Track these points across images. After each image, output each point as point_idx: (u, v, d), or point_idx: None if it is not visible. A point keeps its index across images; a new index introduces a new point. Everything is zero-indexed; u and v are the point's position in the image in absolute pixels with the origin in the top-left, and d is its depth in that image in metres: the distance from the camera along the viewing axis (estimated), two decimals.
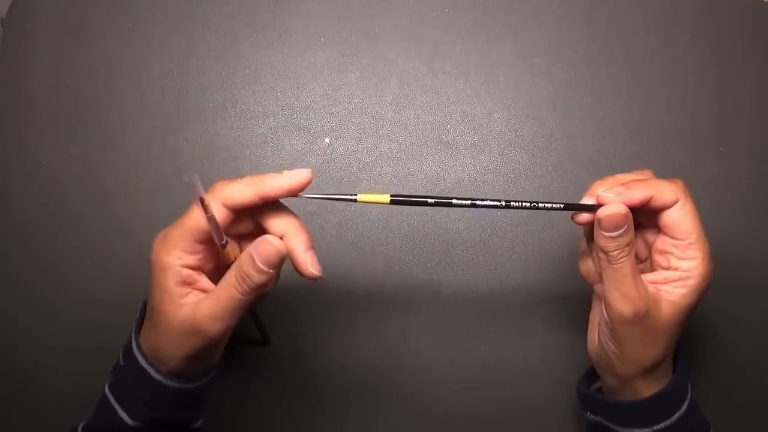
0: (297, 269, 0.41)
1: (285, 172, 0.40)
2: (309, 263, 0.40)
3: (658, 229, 0.42)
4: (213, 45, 0.57)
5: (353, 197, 0.40)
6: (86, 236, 0.55)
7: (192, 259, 0.40)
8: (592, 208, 0.41)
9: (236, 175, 0.55)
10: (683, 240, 0.41)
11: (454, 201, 0.42)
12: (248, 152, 0.56)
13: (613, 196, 0.40)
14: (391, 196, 0.41)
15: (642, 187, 0.40)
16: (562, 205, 0.42)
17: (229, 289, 0.39)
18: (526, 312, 0.54)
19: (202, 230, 0.39)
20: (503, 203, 0.42)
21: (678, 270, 0.41)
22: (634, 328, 0.41)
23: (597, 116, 0.56)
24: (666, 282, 0.41)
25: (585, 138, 0.56)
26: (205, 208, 0.37)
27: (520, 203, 0.42)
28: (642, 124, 0.56)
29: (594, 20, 0.57)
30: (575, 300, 0.54)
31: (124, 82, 0.57)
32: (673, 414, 0.42)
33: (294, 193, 0.40)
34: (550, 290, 0.54)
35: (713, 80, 0.57)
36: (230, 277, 0.39)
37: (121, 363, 0.43)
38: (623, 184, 0.40)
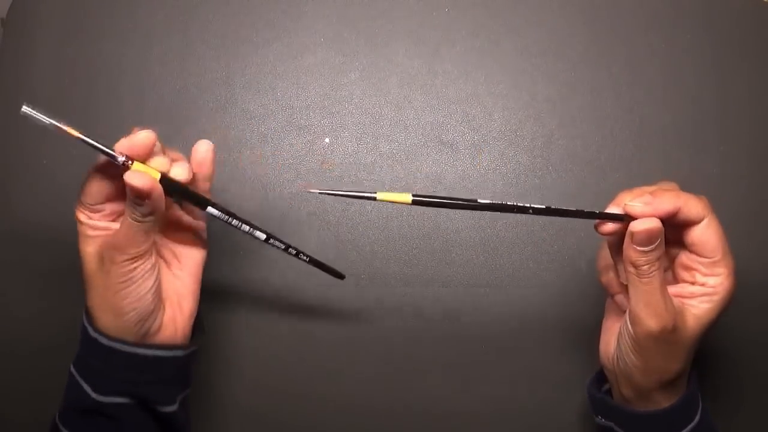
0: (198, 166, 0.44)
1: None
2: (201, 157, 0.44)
3: (682, 244, 0.42)
4: (213, 45, 0.57)
5: (373, 195, 0.39)
6: None
7: (99, 216, 0.42)
8: (622, 219, 0.40)
9: (236, 174, 0.55)
10: (710, 258, 0.41)
11: (479, 201, 0.40)
12: (248, 152, 0.56)
13: (642, 205, 0.39)
14: (414, 195, 0.40)
15: (671, 198, 0.40)
16: (592, 212, 0.41)
17: (126, 218, 0.40)
18: (526, 312, 0.54)
19: (95, 196, 0.41)
20: (531, 209, 0.41)
21: (704, 286, 0.41)
22: (659, 343, 0.40)
23: (597, 116, 0.56)
24: (692, 297, 0.41)
25: (585, 138, 0.56)
26: (68, 132, 0.39)
27: (546, 208, 0.41)
28: (642, 124, 0.56)
29: (594, 20, 0.57)
30: (575, 299, 0.54)
31: (124, 82, 0.57)
32: (688, 424, 0.42)
33: (138, 154, 0.41)
34: (550, 290, 0.54)
35: (713, 80, 0.57)
36: (126, 209, 0.41)
37: (79, 338, 0.44)
38: (651, 193, 0.40)
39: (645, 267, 0.40)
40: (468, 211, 0.55)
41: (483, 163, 0.56)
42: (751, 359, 0.54)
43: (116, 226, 0.42)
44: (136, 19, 0.58)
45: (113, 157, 0.40)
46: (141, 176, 0.39)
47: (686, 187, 0.55)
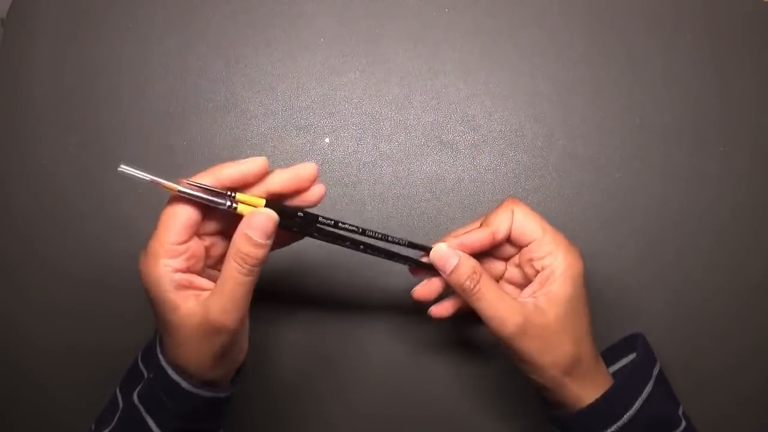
0: (304, 202, 0.42)
1: (241, 160, 0.39)
2: (312, 192, 0.42)
3: (517, 249, 0.45)
4: (213, 45, 0.57)
5: (231, 197, 0.38)
6: (86, 236, 0.55)
7: (179, 262, 0.39)
8: (426, 249, 0.45)
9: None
10: (532, 240, 0.43)
11: (320, 220, 0.42)
12: (248, 152, 0.56)
13: (446, 246, 0.43)
14: (269, 202, 0.39)
15: (476, 235, 0.43)
16: (406, 242, 0.45)
17: (233, 276, 0.38)
18: None
19: (178, 231, 0.38)
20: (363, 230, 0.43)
21: (544, 269, 0.43)
22: (525, 340, 0.42)
23: (597, 116, 0.56)
24: (541, 285, 0.43)
25: (585, 138, 0.56)
26: (167, 186, 0.36)
27: (374, 233, 0.44)
28: (642, 124, 0.56)
29: (594, 20, 0.57)
30: None
31: (124, 81, 0.57)
32: (622, 415, 0.42)
33: (251, 182, 0.39)
34: None
35: (713, 80, 0.57)
36: (229, 266, 0.38)
37: (149, 376, 0.42)
38: (458, 236, 0.44)
39: (467, 284, 0.42)
40: (468, 211, 0.55)
41: (483, 163, 0.56)
42: (751, 359, 0.54)
43: (203, 281, 0.40)
44: (136, 19, 0.58)
45: (221, 202, 0.38)
46: (266, 217, 0.38)
47: (686, 187, 0.55)
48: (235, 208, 0.38)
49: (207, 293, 0.39)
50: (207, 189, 0.38)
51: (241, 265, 0.38)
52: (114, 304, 0.54)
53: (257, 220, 0.38)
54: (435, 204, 0.55)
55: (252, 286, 0.39)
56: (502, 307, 0.42)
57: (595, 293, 0.54)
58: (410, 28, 0.57)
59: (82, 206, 0.55)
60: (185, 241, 0.39)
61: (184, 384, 0.40)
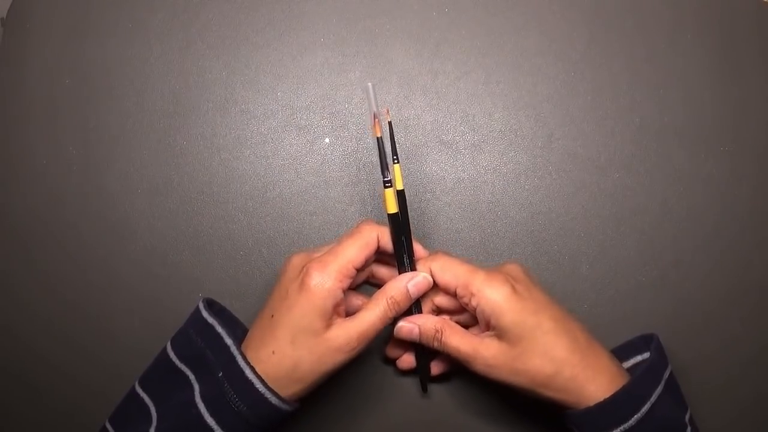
0: None
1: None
2: None
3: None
4: (213, 45, 0.57)
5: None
6: (86, 236, 0.55)
7: (346, 284, 0.44)
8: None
9: (237, 175, 0.55)
10: (453, 289, 0.46)
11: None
12: (248, 152, 0.56)
13: (403, 322, 0.48)
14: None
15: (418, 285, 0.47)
16: None
17: (380, 315, 0.45)
18: None
19: (359, 259, 0.45)
20: None
21: (476, 311, 0.45)
22: (495, 371, 0.45)
23: (597, 116, 0.56)
24: (486, 326, 0.46)
25: (585, 138, 0.56)
26: (376, 124, 0.39)
27: None
28: (642, 124, 0.56)
29: (594, 20, 0.57)
30: (574, 300, 0.54)
31: (124, 82, 0.57)
32: (630, 418, 0.43)
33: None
34: (550, 290, 0.54)
35: (713, 80, 0.57)
36: (381, 305, 0.45)
37: (224, 384, 0.43)
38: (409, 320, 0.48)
39: (436, 344, 0.47)
40: (468, 211, 0.55)
41: (483, 163, 0.56)
42: (752, 358, 0.54)
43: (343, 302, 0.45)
44: (136, 19, 0.58)
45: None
46: (427, 283, 0.47)
47: (686, 187, 0.55)
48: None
49: (347, 318, 0.45)
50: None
51: (390, 309, 0.45)
52: (114, 302, 0.54)
53: (421, 283, 0.46)
54: (435, 204, 0.55)
55: (382, 328, 0.45)
56: (466, 349, 0.45)
57: (595, 293, 0.54)
58: (410, 28, 0.57)
59: (82, 207, 0.55)
60: (356, 271, 0.45)
61: (273, 400, 0.43)
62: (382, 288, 0.47)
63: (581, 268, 0.54)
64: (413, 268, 0.48)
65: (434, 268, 0.47)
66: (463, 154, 0.56)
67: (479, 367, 0.45)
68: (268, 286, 0.54)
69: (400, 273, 0.47)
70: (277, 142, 0.56)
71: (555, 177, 0.56)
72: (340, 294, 0.44)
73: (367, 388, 0.53)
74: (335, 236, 0.55)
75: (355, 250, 0.45)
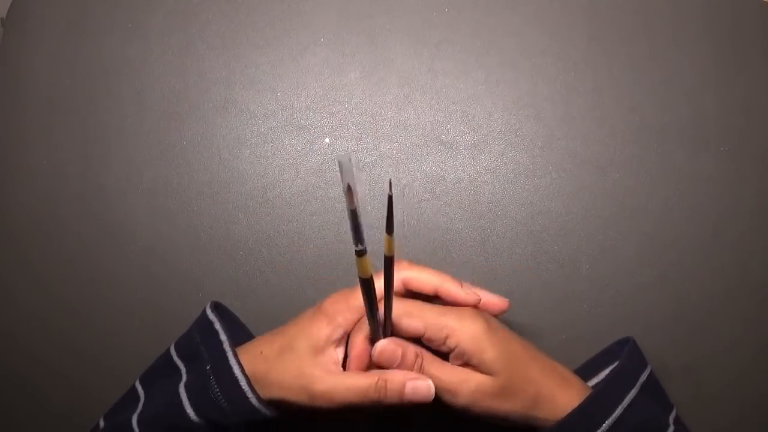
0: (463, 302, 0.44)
1: (469, 290, 0.44)
2: (470, 296, 0.44)
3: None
4: (213, 45, 0.57)
5: None
6: (86, 236, 0.55)
7: (350, 327, 0.43)
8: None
9: (236, 174, 0.55)
10: (422, 333, 0.43)
11: None
12: (248, 152, 0.56)
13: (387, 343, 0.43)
14: None
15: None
16: None
17: (362, 388, 0.41)
18: (526, 312, 0.54)
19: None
20: None
21: (451, 351, 0.43)
22: (481, 400, 0.42)
23: (597, 116, 0.56)
24: (459, 357, 0.43)
25: (585, 138, 0.56)
26: (350, 197, 0.35)
27: None
28: (642, 124, 0.56)
29: (594, 20, 0.57)
30: (574, 300, 0.54)
31: (124, 82, 0.57)
32: (600, 425, 0.43)
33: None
34: (550, 291, 0.54)
35: (713, 80, 0.57)
36: (369, 380, 0.41)
37: (210, 377, 0.43)
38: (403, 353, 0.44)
39: (411, 363, 0.43)
40: (468, 211, 0.55)
41: (483, 163, 0.56)
42: (752, 358, 0.54)
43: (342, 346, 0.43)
44: (136, 19, 0.58)
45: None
46: (428, 392, 0.42)
47: (686, 187, 0.55)
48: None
49: (337, 369, 0.43)
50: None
51: (377, 392, 0.41)
52: (114, 302, 0.54)
53: (422, 389, 0.42)
54: (435, 204, 0.55)
55: (363, 405, 0.42)
56: (449, 378, 0.42)
57: (595, 293, 0.54)
58: (410, 28, 0.57)
59: (82, 207, 0.55)
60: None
61: (254, 401, 0.42)
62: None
63: (581, 268, 0.54)
64: (386, 330, 0.43)
65: (397, 318, 0.43)
66: (463, 154, 0.56)
67: (463, 398, 0.42)
68: (268, 286, 0.54)
69: (371, 331, 0.43)
70: (277, 142, 0.56)
71: (555, 177, 0.56)
72: (343, 331, 0.43)
73: None
74: (335, 236, 0.55)
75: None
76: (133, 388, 0.48)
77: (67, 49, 0.57)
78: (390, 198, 0.35)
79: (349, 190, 0.34)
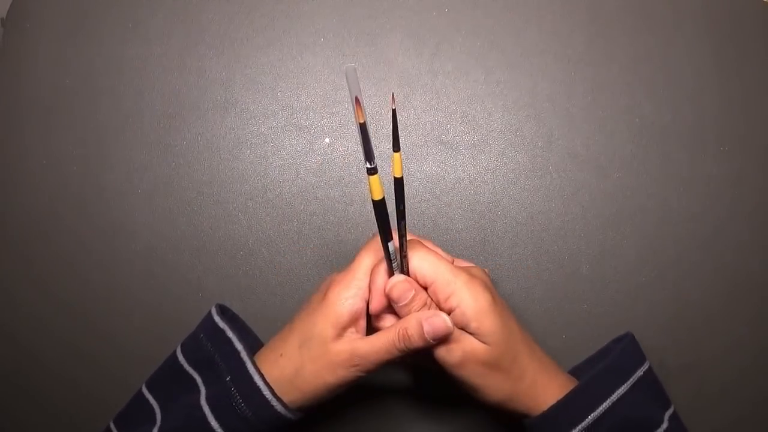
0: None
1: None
2: None
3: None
4: (213, 45, 0.57)
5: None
6: (86, 236, 0.55)
7: (361, 300, 0.43)
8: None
9: (237, 175, 0.55)
10: (431, 283, 0.43)
11: None
12: (248, 152, 0.56)
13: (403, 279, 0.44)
14: None
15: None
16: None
17: (389, 342, 0.42)
18: (526, 312, 0.54)
19: (365, 273, 0.44)
20: None
21: (453, 311, 0.43)
22: (471, 363, 0.43)
23: (597, 116, 0.56)
24: (457, 320, 0.43)
25: (585, 138, 0.56)
26: (358, 109, 0.35)
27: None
28: (642, 124, 0.56)
29: (594, 20, 0.57)
30: (575, 300, 0.54)
31: (124, 82, 0.57)
32: (584, 418, 0.43)
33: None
34: (550, 290, 0.54)
35: (713, 80, 0.57)
36: (392, 333, 0.42)
37: (231, 388, 0.44)
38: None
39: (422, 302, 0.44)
40: (468, 211, 0.55)
41: (483, 163, 0.56)
42: (752, 358, 0.54)
43: (364, 322, 0.44)
44: (136, 19, 0.58)
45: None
46: (446, 327, 0.42)
47: (686, 187, 0.55)
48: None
49: (361, 337, 0.43)
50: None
51: (400, 341, 0.42)
52: (114, 301, 0.54)
53: (437, 321, 0.42)
54: (435, 204, 0.55)
55: (392, 360, 0.43)
56: (451, 326, 0.43)
57: (595, 293, 0.54)
58: (410, 28, 0.57)
59: (82, 207, 0.55)
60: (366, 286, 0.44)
61: (278, 407, 0.43)
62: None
63: (581, 268, 0.54)
64: (404, 266, 0.44)
65: (414, 259, 0.44)
66: (463, 154, 0.56)
67: (455, 356, 0.43)
68: (268, 286, 0.54)
69: (388, 266, 0.44)
70: (277, 142, 0.56)
71: (555, 177, 0.56)
72: (358, 304, 0.43)
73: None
74: (335, 236, 0.55)
75: (371, 258, 0.44)
76: (143, 397, 0.47)
77: (67, 49, 0.57)
78: (394, 112, 0.35)
79: (357, 103, 0.35)
